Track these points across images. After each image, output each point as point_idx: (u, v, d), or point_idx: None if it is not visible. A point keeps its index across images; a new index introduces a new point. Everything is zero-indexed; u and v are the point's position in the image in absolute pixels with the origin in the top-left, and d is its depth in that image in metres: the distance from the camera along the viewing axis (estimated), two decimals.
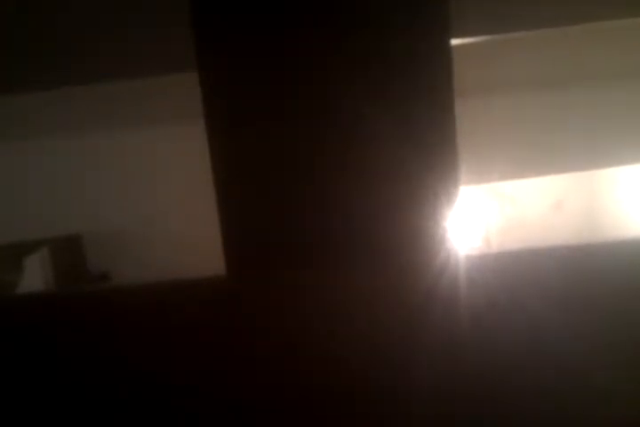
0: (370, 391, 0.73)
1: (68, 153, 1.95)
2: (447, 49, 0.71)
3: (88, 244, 2.00)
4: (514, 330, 0.71)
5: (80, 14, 1.22)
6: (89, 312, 0.72)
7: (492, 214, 2.65)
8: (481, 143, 1.85)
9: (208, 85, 0.71)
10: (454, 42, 0.73)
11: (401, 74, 0.71)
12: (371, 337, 0.72)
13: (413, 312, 0.72)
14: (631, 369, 0.72)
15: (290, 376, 0.73)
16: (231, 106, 0.72)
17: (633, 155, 2.06)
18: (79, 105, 1.90)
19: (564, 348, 0.71)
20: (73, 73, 1.59)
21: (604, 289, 0.72)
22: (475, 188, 2.44)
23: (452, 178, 0.73)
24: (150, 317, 0.72)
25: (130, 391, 0.72)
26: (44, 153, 1.95)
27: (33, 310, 0.74)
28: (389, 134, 0.72)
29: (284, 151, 0.72)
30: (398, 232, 0.73)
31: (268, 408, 0.73)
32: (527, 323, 0.71)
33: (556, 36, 1.78)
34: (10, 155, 1.94)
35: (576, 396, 0.73)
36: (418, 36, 0.70)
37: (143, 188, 1.97)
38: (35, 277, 1.73)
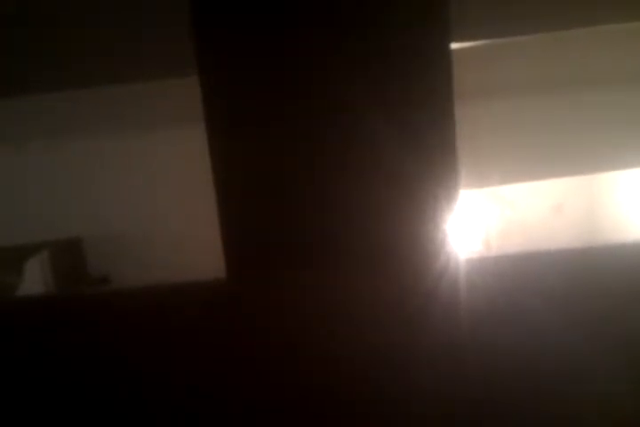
0: (370, 392, 0.73)
1: (68, 156, 1.95)
2: (447, 53, 0.71)
3: (88, 247, 1.99)
4: (514, 332, 0.71)
5: (81, 16, 1.22)
6: (89, 315, 0.72)
7: (492, 218, 2.65)
8: (481, 147, 1.85)
9: (208, 86, 0.71)
10: (454, 46, 0.73)
11: (401, 77, 0.71)
12: (370, 339, 0.72)
13: (413, 314, 0.72)
14: (631, 371, 0.72)
15: (290, 377, 0.73)
16: (231, 107, 0.72)
17: (633, 159, 2.06)
18: (80, 108, 1.90)
19: (564, 350, 0.71)
20: (74, 76, 1.59)
21: (604, 292, 0.72)
22: (475, 191, 2.44)
23: (452, 181, 0.73)
24: (151, 319, 0.72)
25: (130, 393, 0.72)
26: (45, 156, 1.95)
27: (33, 312, 0.74)
28: (389, 137, 0.72)
29: (284, 154, 0.72)
30: (398, 235, 0.73)
31: (269, 409, 0.73)
32: (527, 325, 0.71)
33: (555, 40, 1.78)
34: (11, 157, 1.94)
35: (576, 397, 0.72)
36: (418, 40, 0.70)
37: (143, 191, 1.97)
38: (35, 279, 1.73)
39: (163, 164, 1.95)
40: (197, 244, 1.60)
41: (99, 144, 1.97)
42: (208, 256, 0.92)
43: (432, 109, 0.72)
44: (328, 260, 0.73)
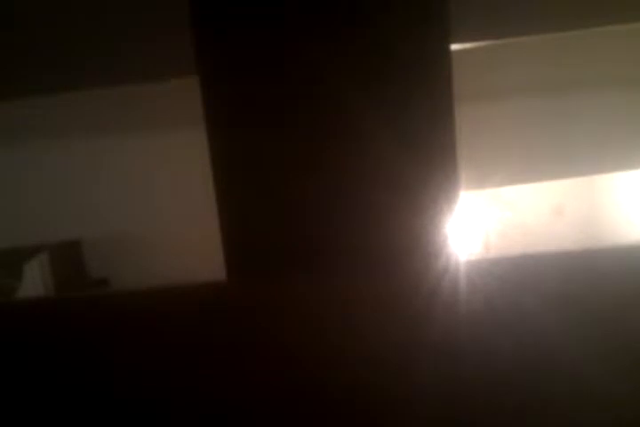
0: (370, 393, 0.73)
1: (67, 159, 1.95)
2: (447, 54, 0.71)
3: (87, 249, 1.99)
4: (513, 334, 0.71)
5: (81, 17, 1.22)
6: (89, 317, 0.72)
7: (492, 220, 2.65)
8: (481, 148, 1.85)
9: (208, 87, 0.71)
10: (454, 47, 0.73)
11: (401, 79, 0.71)
12: (371, 340, 0.72)
13: (413, 316, 0.72)
14: (629, 374, 0.72)
15: (291, 379, 0.72)
16: (231, 109, 0.72)
17: (633, 160, 2.06)
18: (79, 110, 1.90)
19: (564, 352, 0.71)
20: (72, 77, 1.59)
21: (604, 294, 0.72)
22: (475, 193, 2.44)
23: (453, 184, 0.73)
24: (150, 321, 0.72)
25: (130, 395, 0.72)
26: (45, 158, 1.95)
27: (33, 314, 0.74)
28: (389, 139, 0.72)
29: (285, 156, 0.72)
30: (398, 237, 0.73)
31: (269, 412, 0.73)
32: (527, 328, 0.71)
33: (555, 42, 1.78)
34: (10, 160, 1.94)
35: (575, 400, 0.72)
36: (418, 42, 0.70)
37: (143, 193, 1.97)
38: (34, 282, 1.72)
39: (162, 166, 1.95)
40: (197, 246, 1.60)
41: (98, 146, 1.97)
42: (208, 259, 0.92)
43: (432, 111, 0.72)
44: (328, 262, 0.73)
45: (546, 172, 2.05)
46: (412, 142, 0.72)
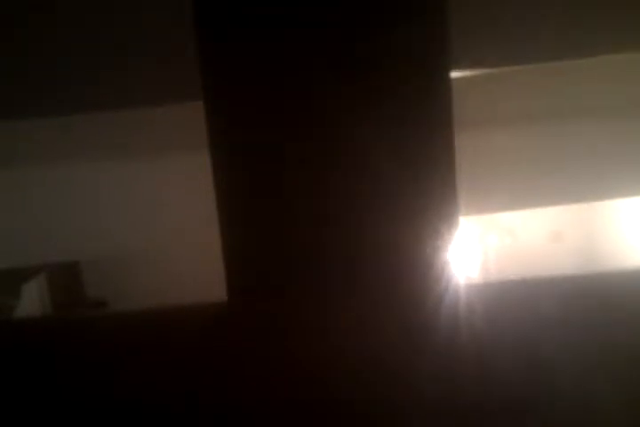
0: (370, 415, 0.72)
1: (68, 180, 1.96)
2: (447, 82, 0.72)
3: (86, 270, 1.98)
4: (513, 358, 0.71)
5: (82, 40, 1.24)
6: (88, 338, 0.72)
7: (491, 245, 2.65)
8: (480, 175, 1.85)
9: (212, 110, 0.72)
10: (454, 75, 0.74)
11: (401, 106, 0.72)
12: (372, 364, 0.71)
13: (413, 340, 0.71)
14: (628, 397, 0.71)
15: (291, 400, 0.72)
16: (234, 132, 0.73)
17: (632, 187, 2.06)
18: (80, 132, 1.91)
19: (563, 376, 0.70)
20: (72, 100, 1.61)
21: (604, 319, 0.72)
22: (474, 219, 2.45)
23: (452, 209, 0.73)
24: (150, 342, 0.71)
25: (129, 416, 0.71)
26: (44, 180, 1.96)
27: (31, 334, 0.74)
28: (390, 166, 0.73)
29: (287, 182, 0.73)
30: (398, 261, 0.74)
31: None
32: (526, 351, 0.71)
33: (555, 70, 1.81)
34: (9, 181, 1.95)
35: (574, 423, 0.72)
36: (418, 70, 0.72)
37: (142, 214, 1.97)
38: (32, 302, 1.71)
39: (163, 188, 1.95)
40: (197, 268, 1.60)
41: (98, 168, 1.97)
42: (208, 280, 0.92)
43: (432, 138, 0.73)
44: (328, 285, 0.73)
45: (545, 198, 2.06)
46: (413, 168, 0.73)
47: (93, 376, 0.71)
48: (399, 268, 0.73)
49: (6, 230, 1.92)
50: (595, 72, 1.86)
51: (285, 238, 0.73)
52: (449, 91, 0.72)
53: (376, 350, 0.71)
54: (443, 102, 0.72)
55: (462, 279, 0.74)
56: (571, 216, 2.60)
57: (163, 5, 1.10)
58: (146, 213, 1.95)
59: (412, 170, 0.73)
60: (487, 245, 2.62)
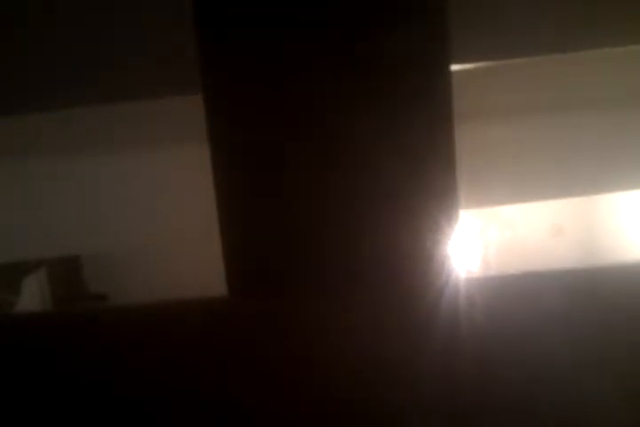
0: (370, 413, 0.72)
1: (67, 175, 1.95)
2: (447, 75, 0.72)
3: (87, 264, 1.99)
4: (514, 353, 0.71)
5: (83, 34, 1.24)
6: (88, 332, 0.72)
7: (491, 238, 2.65)
8: (481, 168, 1.85)
9: (212, 106, 0.72)
10: (454, 68, 0.74)
11: (400, 99, 0.72)
12: (371, 360, 0.71)
13: (413, 334, 0.71)
14: (630, 393, 0.71)
15: (291, 397, 0.72)
16: (233, 125, 0.73)
17: (633, 180, 2.06)
18: (79, 126, 1.90)
19: (564, 371, 0.71)
20: (73, 94, 1.61)
21: (604, 313, 0.72)
22: (474, 212, 2.45)
23: (452, 202, 0.73)
24: (151, 336, 0.71)
25: (130, 411, 0.71)
26: (44, 174, 1.95)
27: (31, 328, 0.74)
28: (389, 159, 0.72)
29: (286, 172, 0.73)
30: (398, 254, 0.74)
31: (270, 425, 0.72)
32: (527, 346, 0.71)
33: (555, 62, 1.80)
34: (9, 176, 1.95)
35: (576, 419, 0.72)
36: (417, 62, 0.71)
37: (143, 208, 1.97)
38: (33, 297, 1.72)
39: (164, 182, 1.95)
40: (197, 262, 1.60)
41: (98, 161, 1.97)
42: (208, 275, 0.92)
43: (432, 130, 0.73)
44: (328, 278, 0.73)
45: (546, 191, 2.05)
46: (412, 161, 0.73)
47: (93, 370, 0.71)
48: (399, 263, 0.74)
49: (6, 225, 1.92)
50: (595, 65, 1.85)
51: (285, 236, 0.74)
52: (449, 86, 0.72)
53: (375, 346, 0.72)
54: (443, 95, 0.72)
55: (463, 273, 0.74)
56: (572, 209, 2.60)
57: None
58: (146, 207, 1.94)
59: (412, 164, 0.73)
60: (487, 239, 2.62)
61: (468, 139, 0.88)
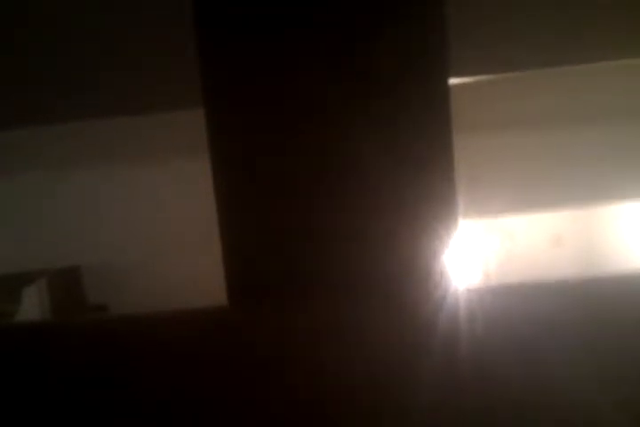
0: (369, 422, 0.72)
1: (68, 186, 1.96)
2: (445, 88, 0.73)
3: (87, 275, 1.98)
4: (513, 364, 0.71)
5: (82, 46, 1.25)
6: (89, 341, 0.72)
7: (491, 249, 2.65)
8: (480, 179, 1.85)
9: (213, 121, 0.73)
10: (453, 81, 0.75)
11: (400, 111, 0.72)
12: (370, 370, 0.71)
13: (412, 345, 0.71)
14: (628, 404, 0.71)
15: (291, 406, 0.72)
16: (234, 140, 0.73)
17: (632, 191, 2.06)
18: (79, 140, 1.91)
19: (563, 381, 0.70)
20: (74, 107, 1.61)
21: (605, 323, 0.72)
22: (474, 223, 2.44)
23: (452, 212, 0.73)
24: (151, 346, 0.71)
25: (129, 420, 0.71)
26: (45, 186, 1.96)
27: (31, 338, 0.74)
28: (388, 169, 0.73)
29: (285, 185, 0.73)
30: (397, 265, 0.74)
31: None
32: (526, 356, 0.71)
33: (554, 75, 1.81)
34: (10, 188, 1.95)
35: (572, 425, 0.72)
36: (417, 76, 0.72)
37: (143, 219, 1.97)
38: (32, 307, 1.71)
39: (163, 193, 1.95)
40: (197, 273, 1.60)
41: (98, 173, 1.97)
42: (209, 286, 0.92)
43: (431, 143, 0.73)
44: (327, 289, 0.74)
45: (545, 202, 2.06)
46: (412, 172, 0.73)
47: (92, 380, 0.71)
48: (398, 272, 0.74)
49: (6, 236, 1.92)
50: (594, 77, 1.86)
51: (284, 242, 0.74)
52: (448, 99, 0.72)
53: (374, 355, 0.71)
54: (442, 108, 0.72)
55: (462, 283, 0.74)
56: (571, 220, 2.59)
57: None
58: (146, 218, 1.95)
59: (412, 174, 0.73)
60: (487, 249, 2.61)
61: (467, 150, 0.89)
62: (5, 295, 1.72)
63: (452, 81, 0.74)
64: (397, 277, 0.74)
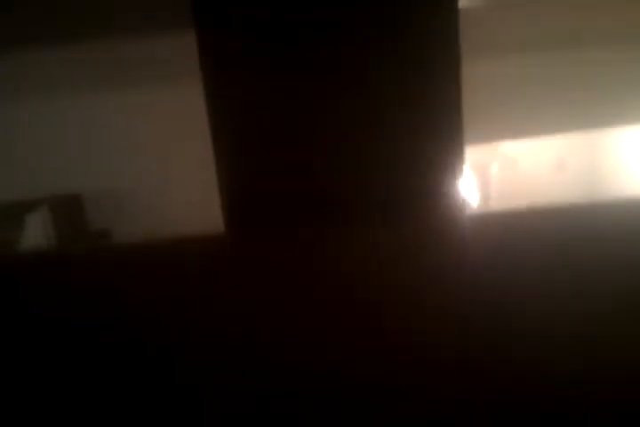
0: (374, 355, 0.74)
1: (68, 112, 1.93)
2: (454, 11, 0.70)
3: (88, 202, 2.00)
4: (515, 288, 0.72)
5: None
6: (90, 269, 0.73)
7: (494, 174, 2.65)
8: (484, 104, 1.83)
9: (205, 41, 0.70)
10: (462, 3, 0.72)
11: (409, 35, 0.70)
12: (372, 294, 0.72)
13: (415, 270, 0.72)
14: (629, 330, 0.73)
15: (290, 334, 0.73)
16: (229, 60, 0.71)
17: (634, 115, 2.05)
18: (78, 63, 1.86)
19: (566, 307, 0.72)
20: (70, 29, 1.56)
21: (605, 247, 0.72)
22: (478, 148, 2.42)
23: (457, 137, 0.73)
24: (151, 273, 0.72)
25: (129, 349, 0.73)
26: (46, 112, 1.93)
27: (35, 267, 0.74)
28: (396, 93, 0.71)
29: (286, 108, 0.71)
30: (401, 191, 0.74)
31: (269, 369, 0.74)
32: (528, 281, 0.72)
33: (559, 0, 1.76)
34: (10, 114, 1.92)
35: (577, 359, 0.74)
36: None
37: (143, 146, 1.96)
38: (36, 234, 1.74)
39: (163, 119, 1.93)
40: (197, 199, 1.61)
41: (98, 100, 1.94)
42: (208, 212, 0.92)
43: (439, 66, 0.71)
44: (329, 215, 0.73)
45: (548, 126, 2.05)
46: (419, 96, 0.71)
47: (94, 308, 0.72)
48: (403, 197, 0.73)
49: (8, 164, 1.91)
50: (598, 1, 1.81)
51: (283, 167, 0.73)
52: (457, 23, 0.69)
53: (376, 280, 0.72)
54: (450, 31, 0.70)
55: (466, 209, 0.74)
56: (574, 145, 2.58)
57: None
58: (147, 146, 1.94)
59: (418, 98, 0.72)
60: (490, 175, 2.61)
61: (471, 75, 0.86)
62: (9, 222, 1.73)
63: (462, 3, 0.70)
64: (401, 202, 0.73)
